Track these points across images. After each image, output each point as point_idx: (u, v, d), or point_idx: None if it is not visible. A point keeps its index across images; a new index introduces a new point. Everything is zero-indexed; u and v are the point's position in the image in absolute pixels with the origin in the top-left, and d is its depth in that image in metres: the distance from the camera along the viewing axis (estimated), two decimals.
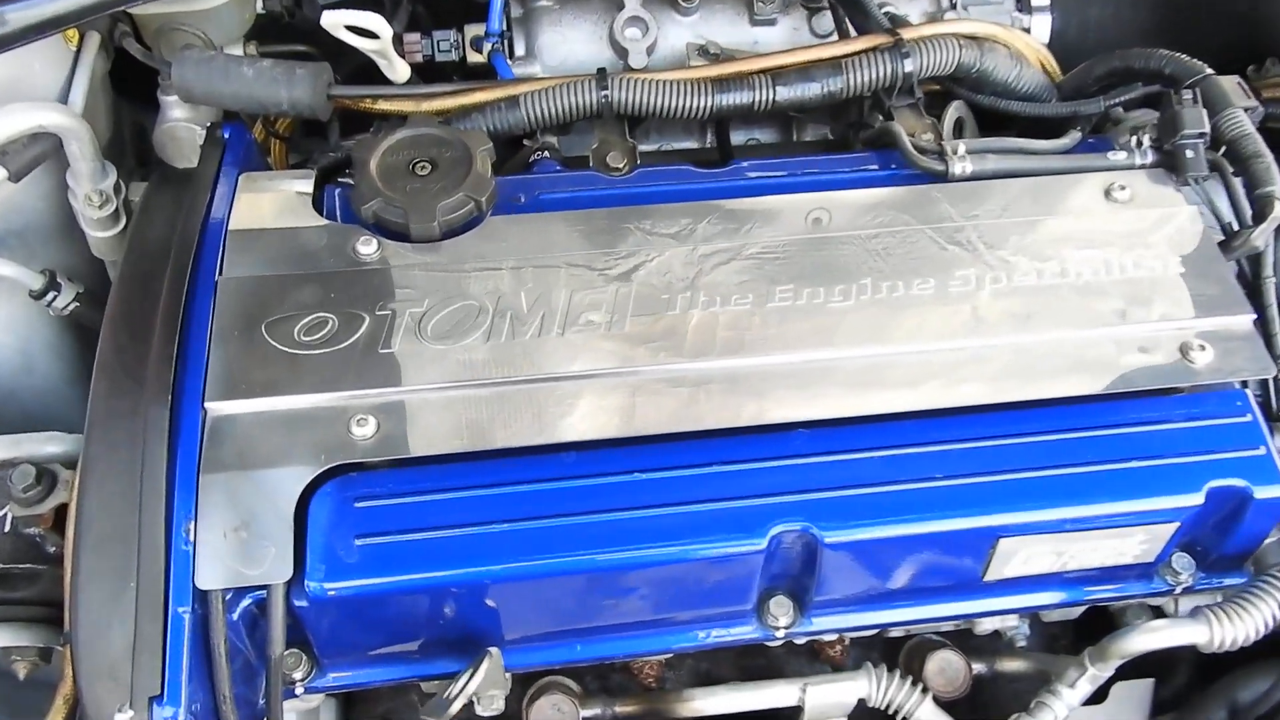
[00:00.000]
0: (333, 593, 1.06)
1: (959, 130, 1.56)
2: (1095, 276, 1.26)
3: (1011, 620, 1.37)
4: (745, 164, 1.43)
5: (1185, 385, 1.23)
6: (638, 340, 1.20)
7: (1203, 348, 1.21)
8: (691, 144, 1.75)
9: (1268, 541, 1.27)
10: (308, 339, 1.17)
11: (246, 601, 1.09)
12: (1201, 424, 1.20)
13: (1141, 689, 1.37)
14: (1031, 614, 1.38)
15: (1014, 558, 1.19)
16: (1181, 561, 1.27)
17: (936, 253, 1.28)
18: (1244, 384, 1.26)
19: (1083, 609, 1.37)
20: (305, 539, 1.08)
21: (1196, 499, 1.17)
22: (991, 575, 1.21)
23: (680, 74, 1.47)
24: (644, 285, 1.24)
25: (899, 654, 1.43)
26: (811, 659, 1.45)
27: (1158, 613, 1.38)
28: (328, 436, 1.12)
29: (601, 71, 1.46)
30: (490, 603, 1.13)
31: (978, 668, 1.42)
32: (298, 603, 1.07)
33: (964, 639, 1.46)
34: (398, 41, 1.60)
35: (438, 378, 1.15)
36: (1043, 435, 1.18)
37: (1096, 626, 1.46)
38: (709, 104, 1.44)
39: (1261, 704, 1.23)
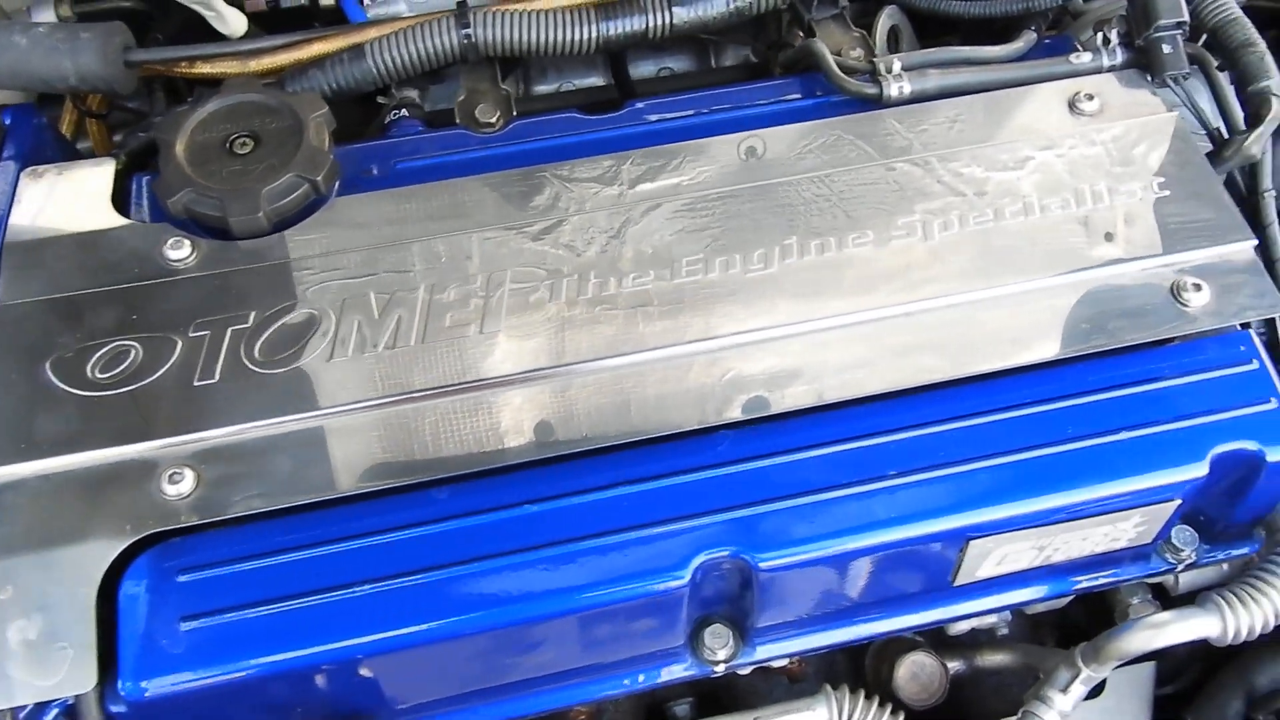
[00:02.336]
0: (154, 693, 0.85)
1: (894, 43, 1.33)
2: (1063, 210, 1.05)
3: (990, 616, 1.19)
4: (642, 105, 1.19)
5: (1183, 333, 1.04)
6: (517, 340, 0.99)
7: (1197, 287, 1.01)
8: (598, 79, 1.51)
9: None
10: (105, 377, 0.94)
11: (54, 713, 0.89)
12: (1199, 378, 1.00)
13: (1142, 676, 1.21)
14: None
15: (987, 559, 1.00)
16: (1183, 536, 1.08)
17: (874, 195, 1.07)
18: (1246, 324, 1.07)
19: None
20: (118, 628, 0.88)
21: (1200, 470, 0.97)
22: (962, 579, 1.03)
23: (556, 1, 1.23)
24: (526, 268, 1.03)
25: (866, 656, 1.27)
26: (767, 673, 1.28)
27: (1158, 591, 1.21)
28: (135, 499, 0.90)
29: (462, 5, 1.22)
30: (366, 673, 0.93)
31: (955, 666, 1.24)
32: (114, 709, 0.87)
33: (940, 632, 1.29)
34: None
35: (270, 412, 0.94)
36: (1011, 411, 0.98)
37: (1089, 603, 1.29)
38: (594, 35, 1.20)
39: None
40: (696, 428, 0.96)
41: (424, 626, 0.89)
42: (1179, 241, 1.04)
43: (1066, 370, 1.00)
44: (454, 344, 0.97)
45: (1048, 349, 0.99)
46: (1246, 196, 1.12)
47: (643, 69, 1.49)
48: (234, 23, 1.30)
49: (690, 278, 1.01)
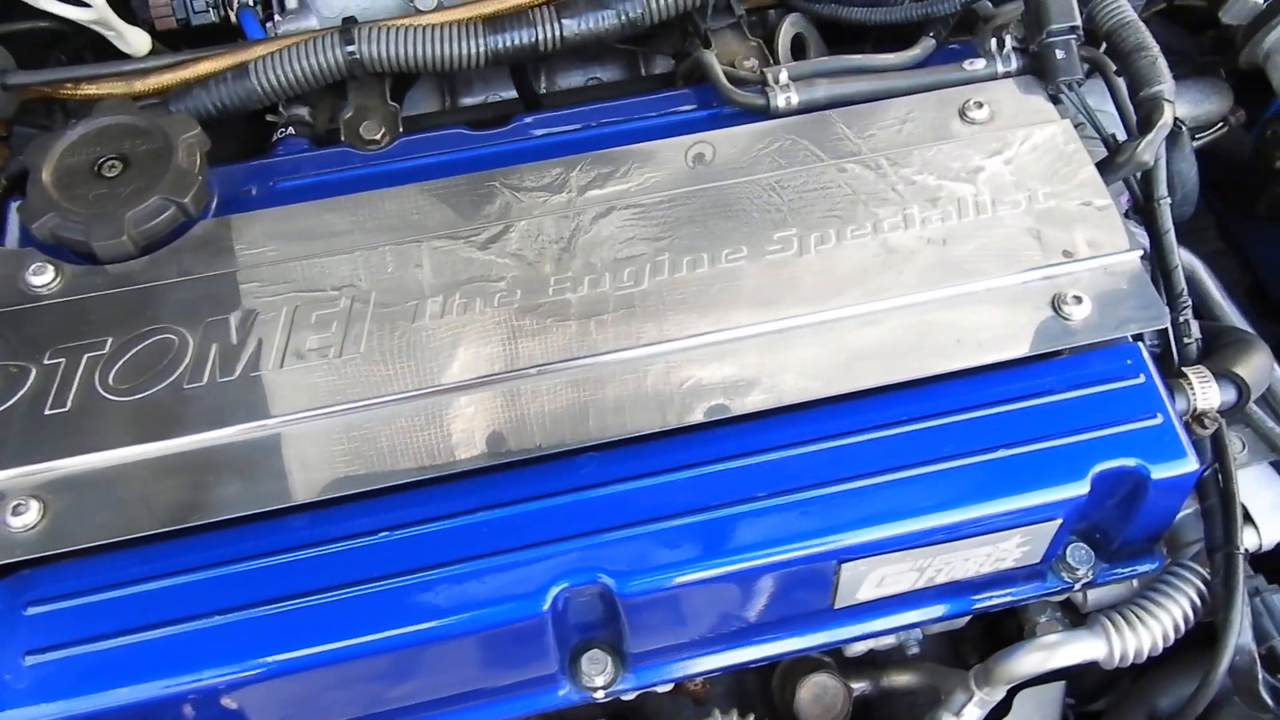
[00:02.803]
0: None
1: (801, 51, 1.31)
2: (943, 222, 1.02)
3: (891, 636, 1.16)
4: (529, 120, 1.18)
5: (1063, 347, 1.01)
6: (376, 364, 0.96)
7: (1078, 299, 0.98)
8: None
9: (1183, 514, 1.07)
10: None
11: None
12: (1083, 393, 0.98)
13: (1050, 696, 1.18)
14: None
15: (864, 582, 0.97)
16: (1078, 555, 1.05)
17: (747, 208, 1.04)
18: (1139, 336, 1.04)
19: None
20: None
21: (1080, 489, 0.95)
22: (842, 602, 1.00)
23: (446, 16, 1.21)
24: (393, 292, 1.01)
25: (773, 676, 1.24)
26: (677, 695, 1.25)
27: (1069, 609, 1.18)
28: None
29: (348, 22, 1.20)
30: (224, 704, 0.91)
31: (861, 687, 1.22)
32: None
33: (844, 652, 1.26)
34: (144, 6, 1.34)
35: (122, 440, 0.92)
36: (885, 430, 0.95)
37: (1007, 621, 1.26)
38: (482, 49, 1.18)
39: (1185, 713, 1.04)
40: (564, 450, 0.94)
41: (276, 658, 0.87)
42: (1064, 252, 1.00)
43: (945, 387, 0.98)
44: (311, 368, 0.96)
45: (923, 366, 0.96)
46: (1143, 205, 1.09)
47: (572, 79, 1.48)
48: (135, 42, 1.28)
49: (558, 296, 0.99)
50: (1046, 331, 0.97)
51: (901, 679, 1.22)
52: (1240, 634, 0.95)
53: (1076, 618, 1.17)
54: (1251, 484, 1.04)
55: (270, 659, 0.87)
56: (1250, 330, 1.10)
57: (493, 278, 1.01)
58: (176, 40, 1.35)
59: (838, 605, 0.99)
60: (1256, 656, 0.96)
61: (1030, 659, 1.00)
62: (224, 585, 0.89)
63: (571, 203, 1.06)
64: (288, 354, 0.95)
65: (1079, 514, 0.97)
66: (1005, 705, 1.19)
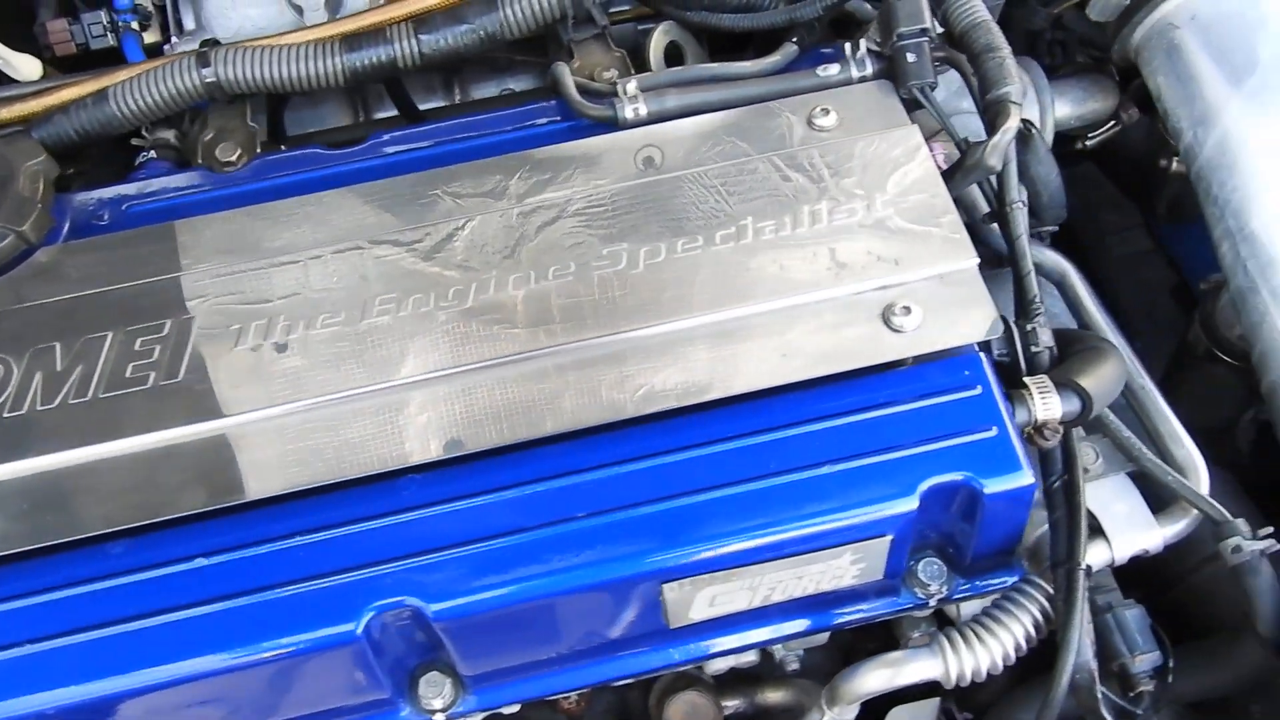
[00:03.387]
0: None
1: (677, 61, 1.29)
2: (777, 234, 1.01)
3: (749, 657, 1.14)
4: (386, 137, 1.17)
5: (899, 359, 0.98)
6: (196, 389, 0.96)
7: (907, 310, 0.95)
8: (438, 100, 1.50)
9: (1034, 524, 1.04)
10: None
11: None
12: (916, 405, 0.95)
13: (924, 713, 1.15)
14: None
15: (694, 602, 0.96)
16: (930, 570, 1.03)
17: (575, 228, 1.03)
18: (986, 347, 1.02)
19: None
20: None
21: (909, 504, 0.92)
22: (678, 622, 0.99)
23: (305, 36, 1.21)
24: (222, 314, 1.00)
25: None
26: (549, 710, 1.24)
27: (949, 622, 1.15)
28: None
29: (206, 44, 1.21)
30: None
31: (734, 705, 1.20)
32: None
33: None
34: (44, 32, 1.36)
35: None
36: (709, 447, 0.93)
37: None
38: (339, 67, 1.17)
39: None
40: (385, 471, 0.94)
41: (88, 686, 0.88)
42: (898, 262, 0.98)
43: (772, 403, 0.96)
44: (138, 394, 0.96)
45: (747, 381, 0.95)
46: (996, 210, 1.07)
47: (486, 89, 1.47)
48: (25, 69, 1.30)
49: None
50: (876, 343, 0.95)
51: (775, 696, 1.20)
52: (1079, 652, 0.93)
53: None
54: (1105, 496, 1.01)
55: (79, 689, 0.88)
56: (1109, 339, 1.07)
57: (318, 307, 1.01)
58: (76, 66, 1.37)
59: (674, 625, 0.98)
60: (1095, 675, 0.94)
61: (872, 677, 0.98)
62: (36, 615, 0.89)
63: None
64: (110, 380, 0.96)
65: (913, 530, 0.95)
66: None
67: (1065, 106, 1.24)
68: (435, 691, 0.99)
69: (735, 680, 1.23)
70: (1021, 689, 1.06)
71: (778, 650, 1.19)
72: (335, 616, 0.89)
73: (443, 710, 1.00)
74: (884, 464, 0.93)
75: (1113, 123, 1.29)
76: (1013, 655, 0.96)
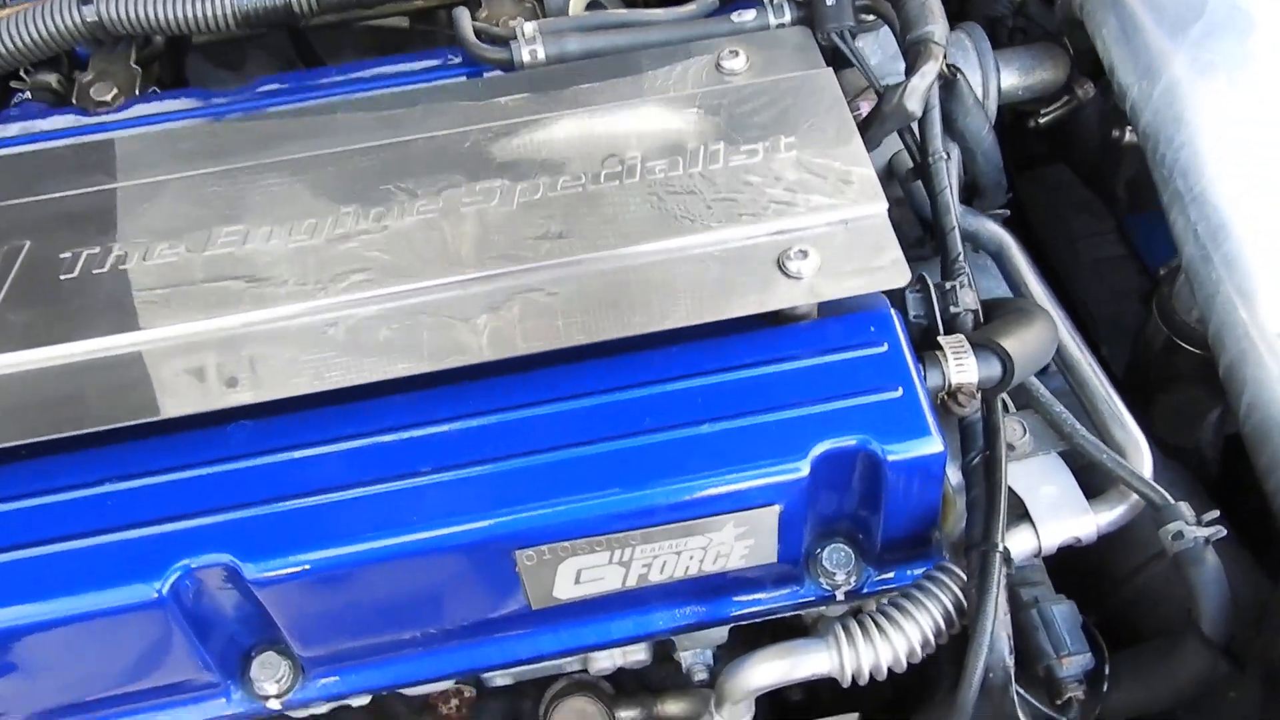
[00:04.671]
0: None
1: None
2: (667, 173, 0.90)
3: (637, 655, 1.02)
4: (270, 84, 1.09)
5: (797, 315, 0.88)
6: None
7: (804, 254, 0.85)
8: None
9: (958, 513, 0.92)
10: None
11: None
12: (814, 362, 0.85)
13: None
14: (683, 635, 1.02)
15: (558, 577, 0.85)
16: (837, 557, 0.91)
17: (450, 163, 0.94)
18: (900, 304, 0.91)
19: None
20: None
21: (798, 470, 0.81)
22: (542, 602, 0.87)
23: None
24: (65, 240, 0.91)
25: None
26: (426, 715, 1.12)
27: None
28: None
29: None
30: None
31: (629, 716, 1.08)
32: None
33: (637, 674, 1.12)
34: None
35: None
36: (576, 400, 0.83)
37: None
38: (228, 11, 1.10)
39: None
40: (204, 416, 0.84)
41: None
42: (799, 206, 0.88)
43: (651, 355, 0.85)
44: None
45: (621, 326, 0.84)
46: (919, 161, 0.97)
47: None
48: None
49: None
50: (769, 289, 0.84)
51: (675, 707, 1.07)
52: (992, 647, 0.80)
53: None
54: (1033, 477, 0.89)
55: None
56: (1051, 310, 0.96)
57: (158, 235, 0.91)
58: None
59: (538, 605, 0.87)
60: (1011, 674, 0.81)
61: (759, 670, 0.85)
62: None
63: None
64: None
65: (806, 503, 0.83)
66: None
67: (1012, 76, 1.15)
68: (269, 675, 0.88)
69: (636, 689, 1.11)
70: (937, 700, 0.93)
71: (684, 657, 1.07)
72: (136, 573, 0.78)
73: (277, 696, 0.89)
74: (771, 424, 0.82)
75: (1066, 98, 1.20)
76: (918, 650, 0.83)
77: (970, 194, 1.15)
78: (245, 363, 0.84)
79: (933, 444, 0.82)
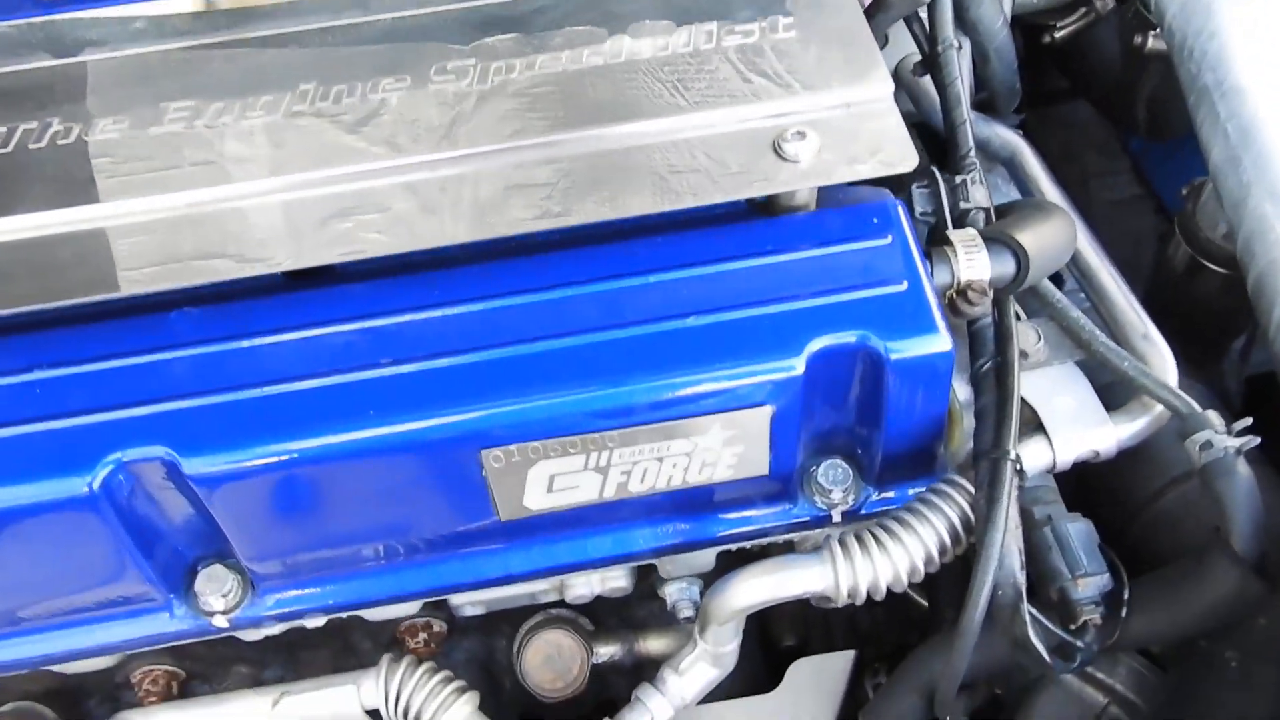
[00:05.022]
0: None
1: None
2: (657, 53, 0.83)
3: (616, 581, 0.95)
4: None
5: (794, 205, 0.81)
6: None
7: (801, 135, 0.77)
8: None
9: (965, 430, 0.85)
10: None
11: None
12: (810, 254, 0.78)
13: (831, 668, 0.95)
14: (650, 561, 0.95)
15: (529, 484, 0.78)
16: (833, 474, 0.84)
17: (420, 40, 0.87)
18: (906, 196, 0.85)
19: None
20: None
21: (790, 367, 0.75)
22: (512, 513, 0.81)
23: None
24: None
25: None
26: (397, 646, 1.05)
27: None
28: None
29: None
30: None
31: (609, 651, 1.01)
32: None
33: (618, 611, 1.06)
34: None
35: None
36: (544, 292, 0.76)
37: None
38: None
39: (942, 680, 0.81)
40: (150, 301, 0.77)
41: None
42: (799, 87, 0.80)
43: (637, 244, 0.79)
44: None
45: (605, 209, 0.76)
46: (927, 51, 0.90)
47: None
48: None
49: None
50: (765, 173, 0.77)
51: (659, 644, 1.01)
52: (1002, 562, 0.74)
53: None
54: (1048, 386, 0.82)
55: None
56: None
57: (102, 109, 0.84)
58: None
59: (508, 516, 0.80)
60: (1023, 592, 0.74)
61: (746, 587, 0.78)
62: None
63: None
64: None
65: (800, 407, 0.76)
66: (778, 678, 0.98)
67: None
68: (215, 589, 0.81)
69: (617, 626, 1.04)
70: (936, 640, 0.86)
71: (669, 592, 1.00)
72: (65, 465, 0.71)
73: (224, 613, 0.82)
74: (764, 318, 0.75)
75: (1083, 9, 1.13)
76: (920, 567, 0.76)
77: (982, 107, 1.09)
78: (194, 243, 0.76)
79: (940, 341, 0.75)
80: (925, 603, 1.11)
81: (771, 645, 1.15)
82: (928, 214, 0.84)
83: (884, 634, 1.12)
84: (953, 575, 1.04)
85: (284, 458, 0.72)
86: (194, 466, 0.72)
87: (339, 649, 1.07)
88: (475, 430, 0.73)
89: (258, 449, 0.72)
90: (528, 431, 0.74)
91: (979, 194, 0.84)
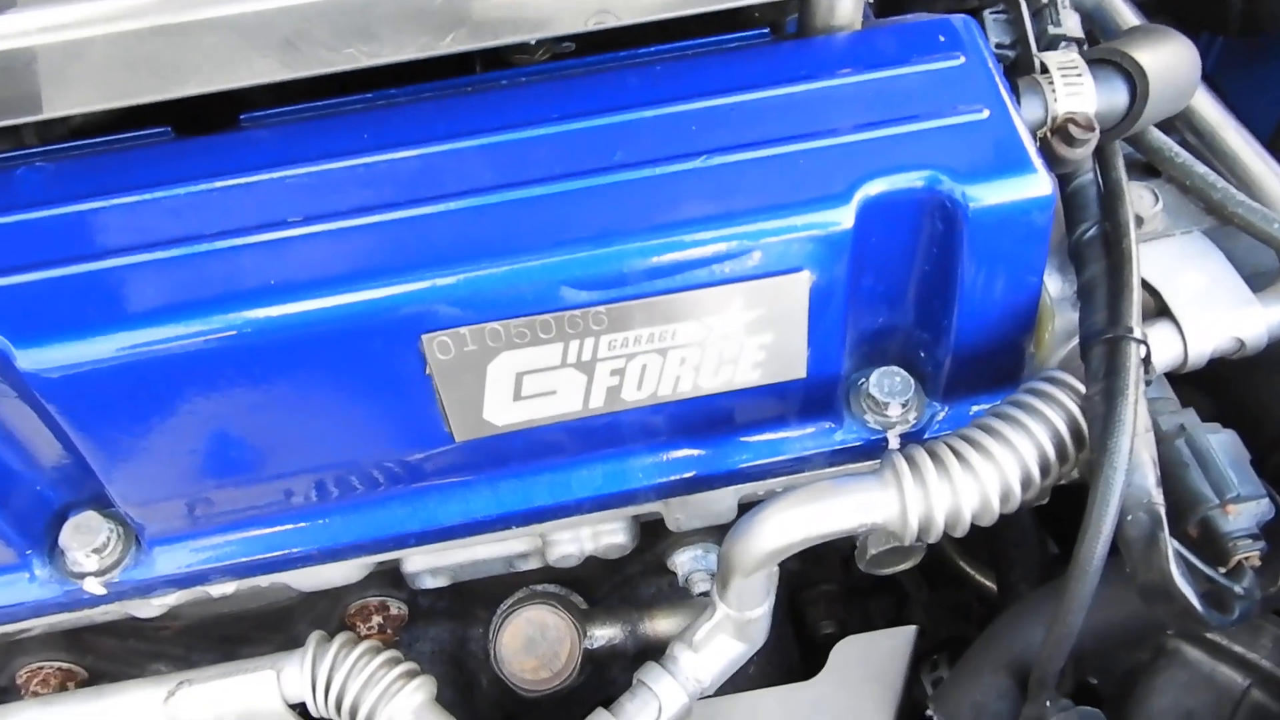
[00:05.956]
0: None
1: None
2: None
3: (612, 537, 0.75)
4: None
5: (834, 17, 0.63)
6: None
7: None
8: None
9: (1057, 331, 0.66)
10: None
11: None
12: (860, 78, 0.59)
13: (885, 647, 0.75)
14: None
15: (489, 384, 0.59)
16: (888, 383, 0.65)
17: None
18: (979, 20, 0.66)
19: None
20: None
21: (837, 219, 0.56)
22: (470, 430, 0.61)
23: None
24: None
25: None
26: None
27: None
28: None
29: None
30: None
31: (608, 634, 0.80)
32: None
33: (621, 585, 0.86)
34: None
35: None
36: (526, 129, 0.57)
37: None
38: None
39: (1046, 649, 0.61)
40: None
41: None
42: None
43: (646, 71, 0.60)
44: None
45: (598, 13, 0.59)
46: None
47: None
48: None
49: None
50: None
51: (668, 623, 0.81)
52: (1130, 476, 0.54)
53: None
54: (1170, 262, 0.62)
55: None
56: None
57: None
58: None
59: (461, 436, 0.61)
60: (1162, 518, 0.55)
61: (774, 524, 0.58)
62: None
63: None
64: None
65: (849, 274, 0.57)
66: (820, 659, 0.78)
67: None
68: (85, 542, 0.62)
69: (619, 604, 0.84)
70: (1026, 606, 0.66)
71: (680, 562, 0.80)
72: None
73: (99, 574, 0.63)
74: (800, 154, 0.56)
75: None
76: (1016, 489, 0.56)
77: None
78: (65, 68, 0.58)
79: (1037, 183, 0.56)
80: (992, 585, 0.92)
81: (807, 634, 0.95)
82: (1005, 46, 0.66)
83: (935, 624, 0.92)
84: (1030, 543, 0.85)
85: (157, 349, 0.53)
86: (30, 359, 0.53)
87: (282, 643, 0.87)
88: (413, 306, 0.54)
89: (118, 335, 0.53)
90: (483, 307, 0.54)
91: (1071, 21, 0.65)
